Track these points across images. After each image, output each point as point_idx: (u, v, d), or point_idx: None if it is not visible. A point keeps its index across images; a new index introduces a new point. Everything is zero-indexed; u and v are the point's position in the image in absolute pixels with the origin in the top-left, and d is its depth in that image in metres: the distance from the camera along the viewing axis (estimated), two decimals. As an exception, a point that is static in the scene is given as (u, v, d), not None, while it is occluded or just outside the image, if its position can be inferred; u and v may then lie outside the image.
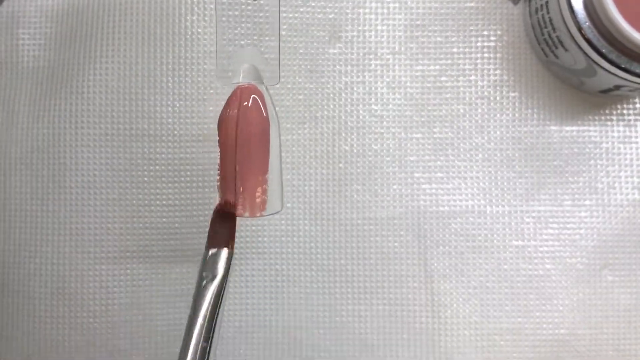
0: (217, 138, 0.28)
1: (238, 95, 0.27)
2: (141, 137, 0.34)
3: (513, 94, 0.35)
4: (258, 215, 0.28)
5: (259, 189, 0.27)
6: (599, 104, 0.35)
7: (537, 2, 0.33)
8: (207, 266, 0.27)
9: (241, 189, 0.27)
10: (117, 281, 0.34)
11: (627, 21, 0.29)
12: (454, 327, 0.34)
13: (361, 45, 0.35)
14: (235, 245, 0.34)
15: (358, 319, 0.34)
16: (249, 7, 0.30)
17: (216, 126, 0.28)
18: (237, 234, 0.34)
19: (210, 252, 0.27)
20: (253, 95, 0.27)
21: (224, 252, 0.27)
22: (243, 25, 0.30)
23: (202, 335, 0.26)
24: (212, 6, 0.34)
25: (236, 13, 0.30)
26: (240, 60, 0.28)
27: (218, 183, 0.28)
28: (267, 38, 0.29)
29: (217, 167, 0.28)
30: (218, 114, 0.34)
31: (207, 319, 0.26)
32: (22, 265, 0.34)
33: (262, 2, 0.31)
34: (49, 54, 0.35)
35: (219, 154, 0.28)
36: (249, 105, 0.27)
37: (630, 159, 0.35)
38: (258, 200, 0.27)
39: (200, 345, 0.26)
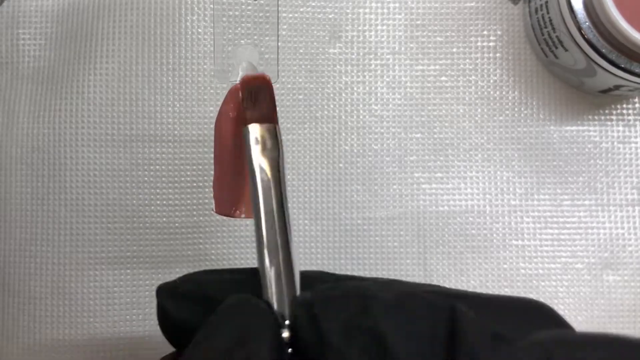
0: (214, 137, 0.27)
1: (235, 93, 0.27)
2: (141, 138, 0.34)
3: (513, 94, 0.35)
4: None
5: None
6: (599, 104, 0.35)
7: (537, 2, 0.33)
8: (256, 146, 0.23)
9: (243, 190, 0.26)
10: (117, 281, 0.34)
11: (627, 21, 0.29)
12: (454, 326, 0.34)
13: (361, 45, 0.35)
14: (235, 245, 0.34)
15: (358, 319, 0.34)
16: (249, 7, 0.30)
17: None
18: (237, 234, 0.34)
19: (251, 129, 0.23)
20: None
21: (271, 127, 0.23)
22: (242, 24, 0.29)
23: (278, 228, 0.22)
24: (212, 6, 0.34)
25: (236, 13, 0.30)
26: (239, 59, 0.28)
27: (214, 183, 0.27)
28: (266, 38, 0.29)
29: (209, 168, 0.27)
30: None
31: (275, 208, 0.22)
32: (22, 264, 0.34)
33: (262, 1, 0.31)
34: (49, 54, 0.35)
35: (215, 152, 0.27)
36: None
37: (630, 159, 0.35)
38: None
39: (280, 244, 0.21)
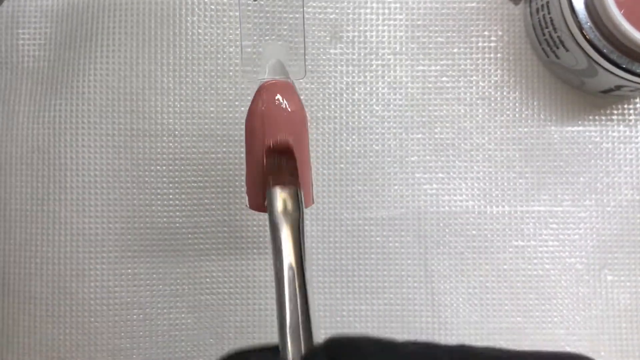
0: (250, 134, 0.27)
1: (266, 90, 0.26)
2: (142, 137, 0.34)
3: (514, 95, 0.35)
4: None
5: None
6: (600, 104, 0.35)
7: (538, 2, 0.33)
8: (277, 207, 0.24)
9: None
10: (117, 281, 0.34)
11: (629, 21, 0.29)
12: (454, 326, 0.34)
13: (362, 45, 0.35)
14: (236, 244, 0.34)
15: (359, 319, 0.34)
16: (272, 4, 0.30)
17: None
18: (237, 234, 0.34)
19: (277, 190, 0.24)
20: (284, 87, 0.26)
21: (292, 190, 0.25)
22: (268, 22, 0.29)
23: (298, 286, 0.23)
24: (213, 7, 0.34)
25: (261, 9, 0.30)
26: (267, 56, 0.28)
27: (247, 179, 0.27)
28: (291, 34, 0.29)
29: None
30: (218, 114, 0.34)
31: (296, 265, 0.23)
32: (22, 264, 0.34)
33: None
34: (49, 53, 0.34)
35: (247, 150, 0.26)
36: (283, 98, 0.26)
37: (630, 160, 0.35)
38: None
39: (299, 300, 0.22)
